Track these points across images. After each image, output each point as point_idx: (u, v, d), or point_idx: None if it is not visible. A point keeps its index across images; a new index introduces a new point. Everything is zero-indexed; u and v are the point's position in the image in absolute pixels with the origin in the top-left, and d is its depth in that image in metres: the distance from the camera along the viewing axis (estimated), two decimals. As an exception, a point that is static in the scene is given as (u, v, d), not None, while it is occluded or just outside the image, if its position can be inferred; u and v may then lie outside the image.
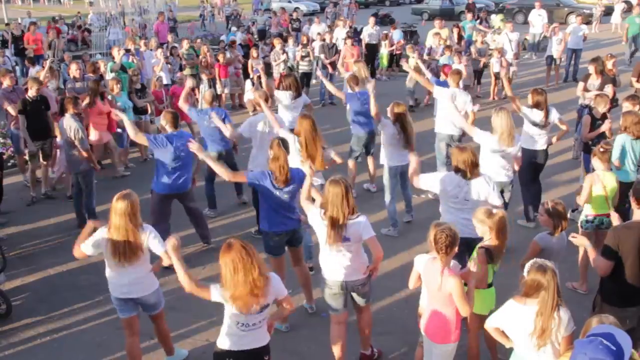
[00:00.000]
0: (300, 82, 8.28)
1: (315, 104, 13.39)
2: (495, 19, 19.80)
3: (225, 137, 7.51)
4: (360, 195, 8.16)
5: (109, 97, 9.05)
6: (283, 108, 8.11)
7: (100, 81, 9.54)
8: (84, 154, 7.24)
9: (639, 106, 6.78)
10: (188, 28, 22.70)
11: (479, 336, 4.50)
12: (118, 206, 4.29)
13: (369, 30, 15.79)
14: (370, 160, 8.46)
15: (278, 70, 13.20)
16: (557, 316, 3.34)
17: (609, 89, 8.53)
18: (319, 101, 13.60)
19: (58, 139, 8.39)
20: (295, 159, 5.67)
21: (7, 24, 19.93)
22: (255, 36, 19.50)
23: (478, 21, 17.78)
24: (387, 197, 7.12)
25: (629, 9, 24.85)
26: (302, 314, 5.64)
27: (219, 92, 12.48)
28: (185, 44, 13.35)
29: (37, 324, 5.65)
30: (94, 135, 8.77)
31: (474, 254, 4.32)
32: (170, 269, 6.34)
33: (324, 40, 14.02)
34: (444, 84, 8.70)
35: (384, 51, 15.74)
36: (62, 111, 7.95)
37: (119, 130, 9.42)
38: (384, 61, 15.92)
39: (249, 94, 12.50)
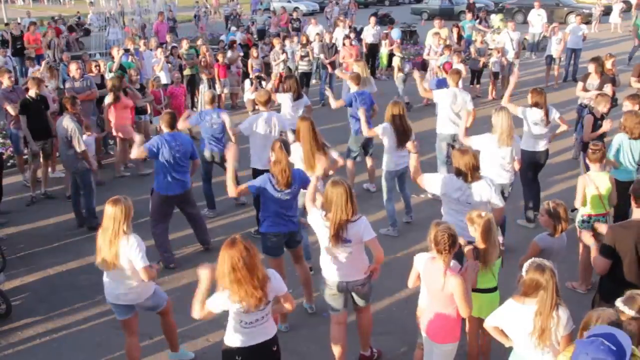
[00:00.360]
0: (300, 83, 8.27)
1: (315, 103, 13.39)
2: (495, 19, 19.81)
3: (224, 139, 7.55)
4: (360, 195, 8.13)
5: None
6: (284, 110, 8.12)
7: (123, 76, 9.79)
8: (81, 154, 7.23)
9: (638, 105, 6.78)
10: (200, 28, 22.63)
11: (478, 337, 4.50)
12: (108, 210, 4.29)
13: (370, 30, 15.78)
14: (369, 160, 8.46)
15: (278, 70, 13.20)
16: (556, 315, 3.34)
17: (608, 89, 8.53)
18: (319, 101, 13.60)
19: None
20: (298, 162, 5.70)
21: (6, 24, 19.91)
22: (255, 36, 19.49)
23: (477, 21, 17.78)
24: (385, 198, 7.13)
25: (627, 9, 24.90)
26: (302, 314, 5.64)
27: (218, 92, 12.47)
28: (185, 44, 13.35)
29: (36, 324, 5.65)
30: (116, 131, 9.08)
31: (465, 250, 4.31)
32: (170, 269, 6.40)
33: (321, 40, 14.02)
34: (444, 82, 8.70)
35: (384, 51, 15.73)
36: (61, 111, 7.96)
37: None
38: (384, 61, 15.92)
39: (248, 93, 12.53)
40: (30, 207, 8.35)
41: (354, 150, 8.24)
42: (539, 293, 3.35)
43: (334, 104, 8.26)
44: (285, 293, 3.78)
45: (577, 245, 5.96)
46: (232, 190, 5.10)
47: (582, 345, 2.74)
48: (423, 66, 13.45)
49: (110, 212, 4.27)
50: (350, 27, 17.75)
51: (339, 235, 4.21)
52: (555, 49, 14.28)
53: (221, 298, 3.57)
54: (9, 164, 9.67)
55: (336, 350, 4.65)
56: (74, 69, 9.44)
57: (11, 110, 8.42)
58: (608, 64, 9.23)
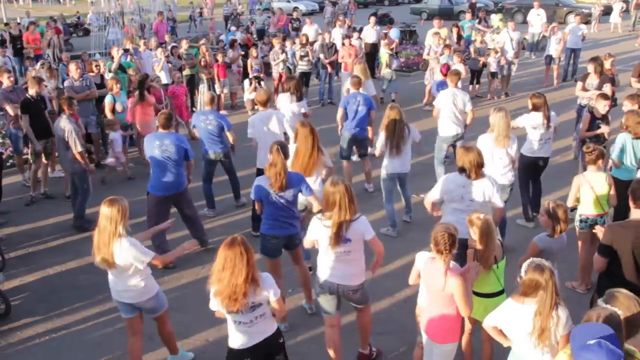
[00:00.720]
0: (301, 85, 8.29)
1: (314, 103, 13.42)
2: (495, 19, 19.81)
3: (223, 139, 7.54)
4: (359, 195, 8.13)
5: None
6: (283, 110, 8.10)
7: (147, 74, 9.94)
8: (77, 155, 7.23)
9: (638, 105, 6.79)
10: (210, 28, 22.61)
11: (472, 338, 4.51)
12: (104, 210, 4.28)
13: (370, 30, 15.77)
14: (365, 161, 8.48)
15: (277, 70, 13.19)
16: (555, 315, 3.34)
17: (607, 89, 8.53)
18: (319, 101, 13.60)
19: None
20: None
21: (6, 24, 19.89)
22: (254, 36, 19.48)
23: (477, 21, 17.78)
24: (385, 199, 7.13)
25: (627, 9, 24.90)
26: (301, 313, 5.64)
27: (217, 92, 12.47)
28: (185, 44, 13.34)
29: (36, 324, 5.65)
30: (140, 128, 9.25)
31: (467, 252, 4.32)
32: (169, 269, 6.40)
33: (321, 39, 14.03)
34: (445, 84, 8.70)
35: (384, 51, 15.70)
36: (59, 111, 7.97)
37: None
38: (383, 61, 15.88)
39: (247, 93, 12.52)
40: (30, 207, 8.34)
41: (344, 149, 8.27)
42: (538, 293, 3.35)
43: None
44: (276, 299, 3.70)
45: (577, 245, 5.97)
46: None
47: (587, 348, 2.73)
48: (423, 67, 13.50)
49: (107, 213, 4.26)
50: (350, 26, 17.74)
51: (339, 235, 4.20)
52: (554, 48, 14.29)
53: (211, 294, 3.63)
54: (8, 164, 9.66)
55: (331, 352, 4.65)
56: (73, 68, 9.44)
57: (10, 110, 8.41)
58: (607, 64, 9.23)
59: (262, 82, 11.86)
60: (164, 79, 11.49)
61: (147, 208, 6.65)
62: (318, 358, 5.00)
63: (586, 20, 22.35)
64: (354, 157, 8.75)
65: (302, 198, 5.41)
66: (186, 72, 12.51)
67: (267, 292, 3.65)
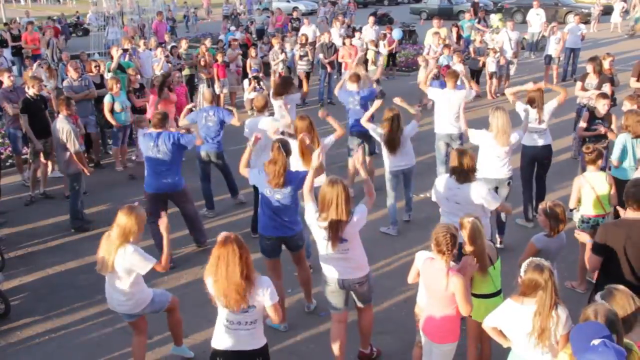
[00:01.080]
0: (287, 84, 8.21)
1: (314, 103, 13.43)
2: (494, 18, 19.82)
3: (220, 139, 7.55)
4: (359, 194, 8.13)
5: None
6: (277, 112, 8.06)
7: (169, 73, 10.17)
8: (74, 156, 7.23)
9: (637, 105, 6.79)
10: (223, 28, 22.60)
11: (478, 342, 4.50)
12: (120, 219, 4.28)
13: (369, 30, 15.77)
14: (367, 159, 8.46)
15: (277, 69, 13.18)
16: (555, 315, 3.34)
17: (606, 88, 8.53)
18: (318, 100, 13.61)
19: None
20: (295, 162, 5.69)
21: (5, 24, 19.89)
22: (254, 35, 19.48)
23: (476, 20, 17.79)
24: (388, 196, 7.12)
25: (627, 9, 24.88)
26: (301, 313, 5.64)
27: (217, 92, 12.46)
28: (184, 44, 13.33)
29: (35, 324, 5.65)
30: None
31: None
32: (170, 268, 6.38)
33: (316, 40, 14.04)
34: (443, 85, 8.71)
35: (383, 51, 15.71)
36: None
37: (114, 129, 9.43)
38: (369, 57, 15.89)
39: (247, 93, 12.51)
40: (29, 207, 8.34)
41: (351, 148, 8.27)
42: (537, 293, 3.35)
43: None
44: (272, 304, 3.65)
45: (576, 245, 5.97)
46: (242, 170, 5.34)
47: (593, 349, 2.74)
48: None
49: (124, 222, 4.25)
50: (349, 26, 17.74)
51: (336, 236, 4.21)
52: (554, 48, 14.29)
53: (209, 288, 3.64)
54: (7, 164, 9.67)
55: (335, 348, 4.64)
56: (72, 69, 9.45)
57: (9, 110, 8.42)
58: (606, 64, 9.22)
59: (261, 82, 11.85)
60: (164, 79, 11.48)
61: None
62: (317, 358, 5.01)
63: (585, 20, 22.36)
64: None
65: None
66: (185, 72, 12.51)
67: (263, 295, 3.60)
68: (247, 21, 22.65)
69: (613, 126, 7.09)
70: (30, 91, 8.17)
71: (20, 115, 8.13)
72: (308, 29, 15.86)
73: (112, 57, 11.40)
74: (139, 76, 10.35)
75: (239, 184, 7.98)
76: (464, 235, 4.20)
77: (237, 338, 3.69)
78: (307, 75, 13.55)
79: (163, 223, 4.39)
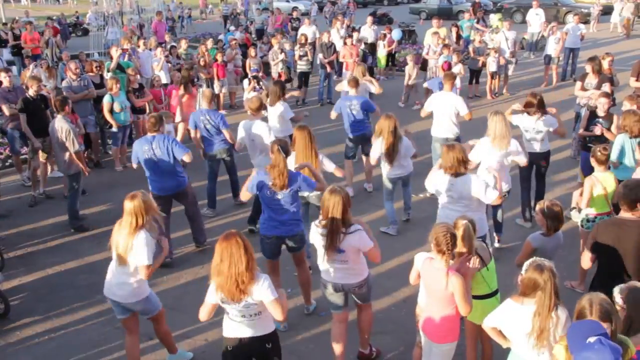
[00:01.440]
0: (283, 88, 8.20)
1: (313, 103, 13.43)
2: (494, 18, 19.83)
3: (224, 136, 7.54)
4: (359, 194, 8.17)
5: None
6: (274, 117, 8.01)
7: (191, 68, 10.46)
8: (74, 156, 7.23)
9: (636, 105, 6.79)
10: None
11: (477, 343, 4.50)
12: (127, 206, 4.32)
13: (367, 30, 15.77)
14: (366, 160, 8.48)
15: (277, 69, 13.19)
16: (555, 316, 3.34)
17: (606, 88, 8.54)
18: (318, 100, 13.61)
19: None
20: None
21: (4, 24, 19.89)
22: (253, 35, 19.48)
23: (475, 20, 17.79)
24: (385, 198, 7.13)
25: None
26: (301, 313, 5.64)
27: (216, 92, 12.46)
28: (184, 44, 13.32)
29: (35, 324, 5.65)
30: (184, 121, 9.65)
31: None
32: (167, 268, 6.40)
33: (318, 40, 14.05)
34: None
35: (382, 51, 15.73)
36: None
37: (114, 129, 9.44)
38: (382, 61, 15.92)
39: (246, 93, 12.51)
40: (29, 206, 8.33)
41: (349, 149, 8.29)
42: (537, 293, 3.35)
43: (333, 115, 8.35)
44: (273, 300, 3.65)
45: (576, 245, 5.98)
46: (244, 196, 5.38)
47: (583, 345, 2.76)
48: (423, 66, 13.49)
49: (129, 208, 4.30)
50: (348, 26, 17.74)
51: (333, 245, 4.22)
52: (553, 48, 14.30)
53: (212, 287, 3.68)
54: (6, 164, 9.67)
55: (336, 348, 4.65)
56: (71, 68, 9.45)
57: (6, 110, 8.43)
58: (604, 64, 9.23)
59: (260, 82, 11.86)
60: (163, 79, 11.49)
61: None
62: (317, 358, 5.01)
63: (585, 20, 22.36)
64: (355, 158, 8.76)
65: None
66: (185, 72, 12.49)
67: (259, 292, 3.61)
68: (247, 21, 22.64)
69: (613, 126, 7.08)
70: (30, 91, 8.18)
71: (19, 114, 8.14)
72: (308, 29, 15.86)
73: (111, 57, 11.41)
74: (138, 76, 10.35)
75: (240, 184, 8.00)
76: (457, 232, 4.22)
77: (244, 327, 3.76)
78: (306, 75, 13.55)
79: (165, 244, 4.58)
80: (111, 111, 9.21)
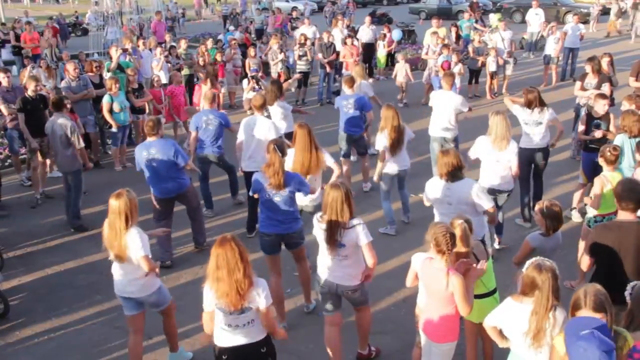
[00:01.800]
0: (280, 87, 8.21)
1: (313, 103, 13.43)
2: (493, 18, 19.83)
3: (221, 141, 7.56)
4: (357, 194, 8.15)
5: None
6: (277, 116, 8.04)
7: (214, 64, 10.47)
8: (79, 152, 7.30)
9: (635, 105, 6.79)
10: (240, 26, 22.58)
11: (476, 343, 4.50)
12: (112, 204, 4.34)
13: (365, 30, 15.77)
14: (363, 160, 8.48)
15: (276, 69, 13.18)
16: (552, 317, 3.33)
17: (606, 88, 8.54)
18: (317, 100, 13.61)
19: None
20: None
21: (3, 24, 19.88)
22: (253, 35, 19.48)
23: (474, 20, 17.79)
24: (382, 197, 7.14)
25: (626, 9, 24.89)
26: (300, 313, 5.64)
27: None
28: (183, 44, 13.32)
29: (34, 324, 5.64)
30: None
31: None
32: (167, 268, 6.40)
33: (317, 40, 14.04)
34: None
35: (382, 52, 15.72)
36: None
37: (113, 129, 9.44)
38: (382, 61, 15.92)
39: (246, 92, 12.51)
40: (28, 207, 8.32)
41: (342, 148, 8.29)
42: (535, 293, 3.35)
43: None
44: (265, 308, 3.66)
45: (575, 245, 5.97)
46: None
47: (576, 336, 2.82)
48: (422, 66, 13.53)
49: (115, 206, 4.31)
50: (348, 26, 17.74)
51: (333, 239, 4.23)
52: (553, 48, 14.30)
53: (208, 295, 3.67)
54: (6, 164, 9.67)
55: (330, 350, 4.65)
56: (70, 68, 9.45)
57: (4, 110, 8.43)
58: (603, 64, 9.23)
59: (260, 82, 11.87)
60: (163, 79, 11.49)
61: (154, 206, 6.66)
62: (316, 358, 5.01)
63: (584, 19, 22.36)
64: (353, 158, 8.77)
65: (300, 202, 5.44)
66: (184, 72, 12.51)
67: (258, 297, 3.61)
68: (247, 21, 22.63)
69: (611, 126, 7.08)
70: (29, 90, 8.19)
71: (18, 114, 8.16)
72: (308, 30, 15.86)
73: (111, 57, 11.41)
74: (137, 76, 10.34)
75: (239, 184, 8.00)
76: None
77: (238, 335, 3.74)
78: (306, 75, 13.54)
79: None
80: (110, 111, 9.21)
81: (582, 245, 5.73)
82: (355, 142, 8.31)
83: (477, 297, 4.22)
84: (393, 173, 6.97)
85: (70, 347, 5.30)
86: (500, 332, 3.67)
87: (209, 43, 13.87)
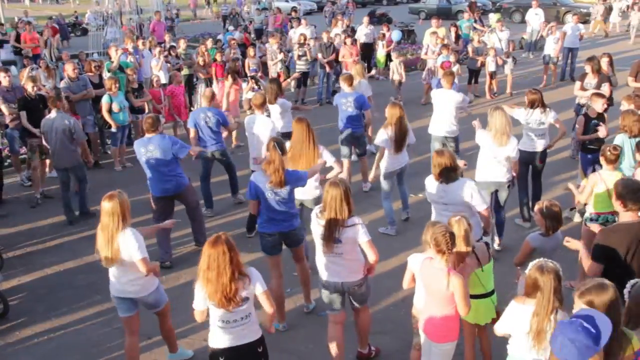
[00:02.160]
0: (280, 85, 8.23)
1: (313, 103, 13.42)
2: (493, 18, 19.81)
3: (221, 137, 7.55)
4: (357, 194, 8.16)
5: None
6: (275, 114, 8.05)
7: (237, 60, 11.14)
8: (82, 146, 7.53)
9: (634, 105, 6.79)
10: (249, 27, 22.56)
11: (474, 344, 4.50)
12: (105, 206, 4.31)
13: (363, 30, 15.76)
14: (362, 160, 8.48)
15: (275, 69, 13.17)
16: (554, 319, 3.31)
17: (605, 88, 8.54)
18: (317, 100, 13.61)
19: None
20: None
21: (1, 24, 19.89)
22: (253, 35, 19.47)
23: (473, 20, 17.79)
24: (383, 197, 7.13)
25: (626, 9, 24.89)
26: (300, 313, 5.64)
27: (215, 91, 12.44)
28: (183, 44, 13.32)
29: (34, 324, 5.64)
30: (231, 110, 10.32)
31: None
32: (166, 268, 6.40)
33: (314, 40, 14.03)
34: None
35: (382, 51, 15.71)
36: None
37: (112, 130, 9.43)
38: (381, 61, 15.92)
39: (245, 92, 12.50)
40: (27, 207, 8.32)
41: (342, 147, 8.32)
42: (537, 294, 3.35)
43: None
44: (263, 292, 3.73)
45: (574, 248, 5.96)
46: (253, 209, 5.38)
47: (562, 325, 2.84)
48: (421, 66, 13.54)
49: (108, 208, 4.29)
50: (348, 26, 17.74)
51: (332, 237, 4.23)
52: (552, 48, 14.30)
53: (199, 294, 3.68)
54: (6, 164, 9.66)
55: (333, 349, 4.65)
56: (69, 68, 9.45)
57: (5, 109, 8.43)
58: (603, 64, 9.23)
59: (259, 82, 11.86)
60: (163, 79, 11.48)
61: (152, 206, 6.67)
62: (316, 358, 5.01)
63: (584, 19, 22.35)
64: (353, 157, 8.76)
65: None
66: (184, 71, 12.51)
67: (254, 285, 3.68)
68: (246, 21, 22.62)
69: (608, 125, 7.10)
70: (29, 90, 8.20)
71: (20, 112, 8.20)
72: (306, 30, 15.86)
73: (110, 57, 11.40)
74: (136, 76, 10.34)
75: (239, 183, 8.00)
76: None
77: (235, 334, 3.74)
78: (305, 74, 13.53)
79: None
80: (110, 111, 9.21)
81: (581, 245, 5.74)
82: (356, 140, 8.28)
83: (475, 297, 4.23)
84: (394, 169, 6.96)
85: (70, 347, 5.30)
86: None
87: (209, 43, 13.85)
